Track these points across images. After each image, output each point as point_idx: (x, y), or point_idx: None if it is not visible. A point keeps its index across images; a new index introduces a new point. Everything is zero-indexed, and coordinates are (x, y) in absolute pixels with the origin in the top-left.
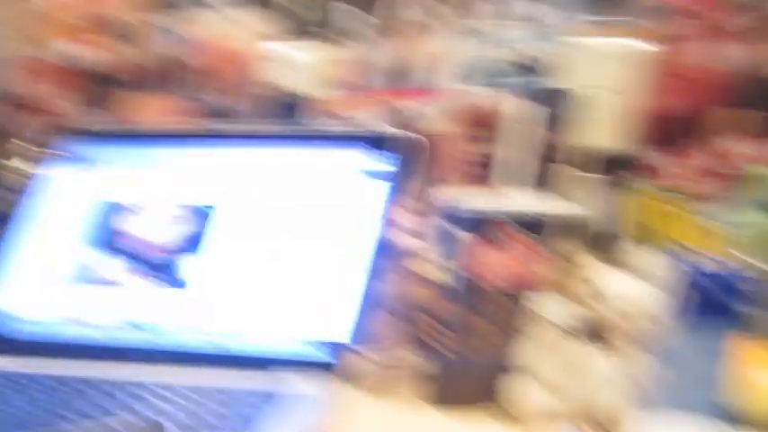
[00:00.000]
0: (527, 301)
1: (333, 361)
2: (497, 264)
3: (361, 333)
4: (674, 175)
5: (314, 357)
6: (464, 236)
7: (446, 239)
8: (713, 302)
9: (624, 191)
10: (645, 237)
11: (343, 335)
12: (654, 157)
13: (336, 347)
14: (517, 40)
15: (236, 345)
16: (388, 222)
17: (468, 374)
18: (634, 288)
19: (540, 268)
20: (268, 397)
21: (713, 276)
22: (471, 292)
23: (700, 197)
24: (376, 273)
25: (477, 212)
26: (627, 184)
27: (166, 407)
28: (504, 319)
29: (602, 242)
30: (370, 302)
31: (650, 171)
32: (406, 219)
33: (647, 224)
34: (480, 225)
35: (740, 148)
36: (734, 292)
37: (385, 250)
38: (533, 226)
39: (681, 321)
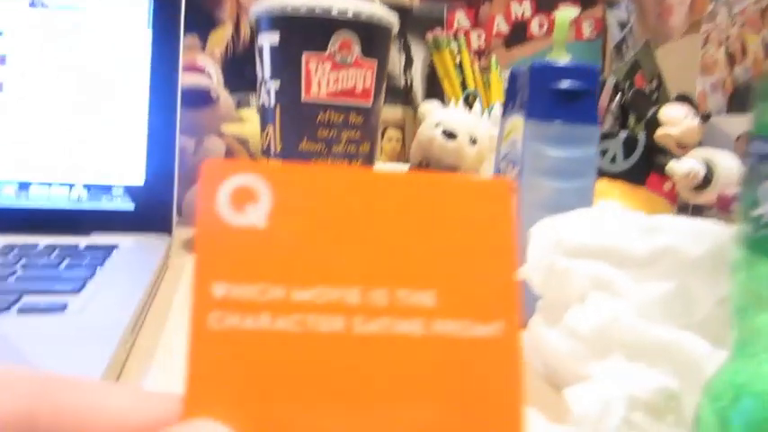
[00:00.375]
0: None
1: (135, 208)
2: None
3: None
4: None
5: (117, 207)
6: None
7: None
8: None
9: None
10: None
11: (139, 178)
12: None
13: (136, 192)
14: None
15: (43, 201)
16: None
17: None
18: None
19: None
20: (91, 253)
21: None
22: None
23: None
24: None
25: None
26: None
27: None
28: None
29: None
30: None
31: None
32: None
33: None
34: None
35: None
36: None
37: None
38: None
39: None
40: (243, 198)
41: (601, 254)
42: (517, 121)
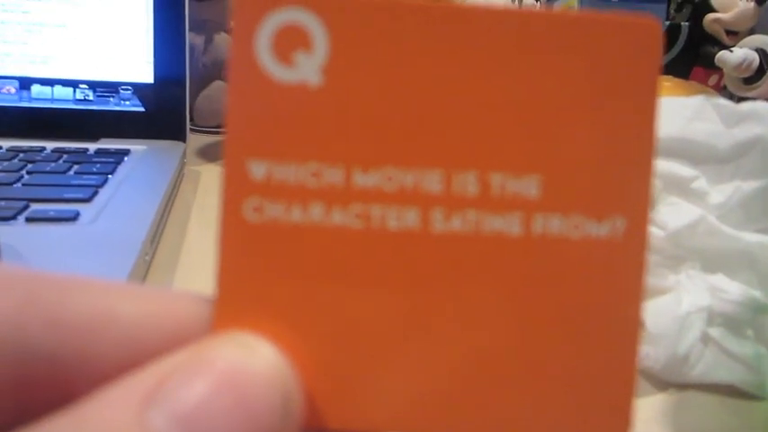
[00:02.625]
0: None
1: (145, 110)
2: None
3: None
4: None
5: (127, 108)
6: None
7: None
8: None
9: None
10: None
11: (148, 76)
12: None
13: (145, 92)
14: None
15: (46, 101)
16: None
17: None
18: None
19: None
20: (107, 156)
21: None
22: None
23: None
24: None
25: None
26: None
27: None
28: None
29: None
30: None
31: None
32: None
33: None
34: None
35: None
36: None
37: None
38: None
39: None
40: (291, 43)
41: (675, 149)
42: (571, 1)
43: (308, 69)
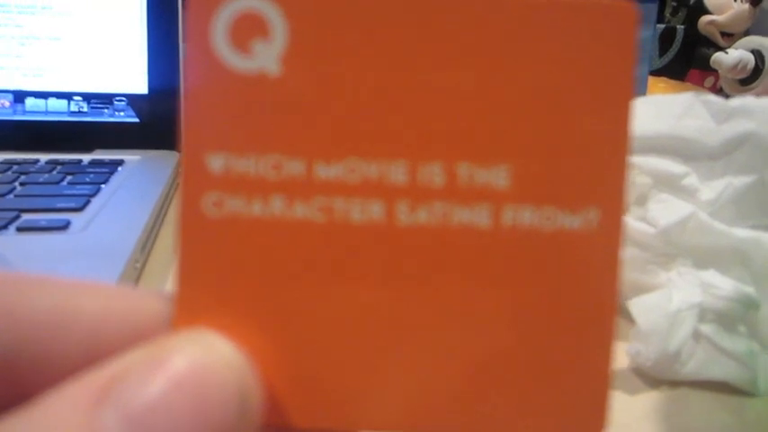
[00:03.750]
0: None
1: (139, 121)
2: None
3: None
4: None
5: (121, 119)
6: None
7: None
8: None
9: None
10: None
11: (142, 86)
12: None
13: (139, 103)
14: None
15: (41, 114)
16: None
17: None
18: None
19: None
20: (101, 167)
21: None
22: None
23: None
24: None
25: None
26: None
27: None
28: None
29: None
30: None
31: None
32: None
33: None
34: None
35: None
36: None
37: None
38: None
39: None
40: (248, 31)
41: (665, 146)
42: None
43: (266, 58)
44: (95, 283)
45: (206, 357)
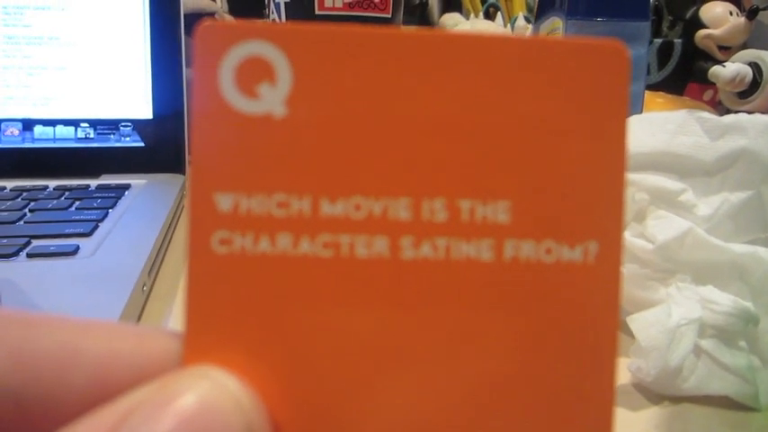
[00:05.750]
0: None
1: (145, 145)
2: None
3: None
4: None
5: (127, 144)
6: None
7: None
8: None
9: None
10: None
11: (147, 111)
12: None
13: (145, 128)
14: None
15: (49, 141)
16: None
17: None
18: None
19: None
20: (108, 192)
21: None
22: None
23: None
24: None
25: None
26: None
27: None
28: None
29: None
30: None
31: None
32: None
33: None
34: None
35: None
36: None
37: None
38: None
39: None
40: (254, 75)
41: (661, 163)
42: (556, 22)
43: (272, 101)
44: (101, 322)
45: (214, 394)
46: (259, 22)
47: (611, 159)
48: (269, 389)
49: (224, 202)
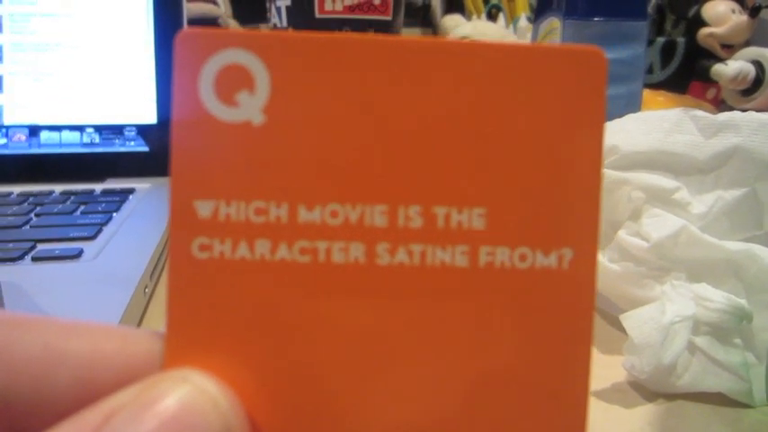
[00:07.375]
0: None
1: (150, 150)
2: None
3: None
4: None
5: (132, 149)
6: None
7: None
8: None
9: None
10: None
11: (152, 116)
12: None
13: (149, 132)
14: None
15: (55, 146)
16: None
17: None
18: None
19: None
20: (110, 196)
21: None
22: None
23: None
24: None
25: None
26: None
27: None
28: None
29: None
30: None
31: None
32: None
33: None
34: None
35: None
36: None
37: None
38: None
39: None
40: (233, 83)
41: (656, 161)
42: (554, 22)
43: (250, 109)
44: (87, 323)
45: (193, 398)
46: (238, 29)
47: (586, 166)
48: (247, 391)
49: (204, 208)
